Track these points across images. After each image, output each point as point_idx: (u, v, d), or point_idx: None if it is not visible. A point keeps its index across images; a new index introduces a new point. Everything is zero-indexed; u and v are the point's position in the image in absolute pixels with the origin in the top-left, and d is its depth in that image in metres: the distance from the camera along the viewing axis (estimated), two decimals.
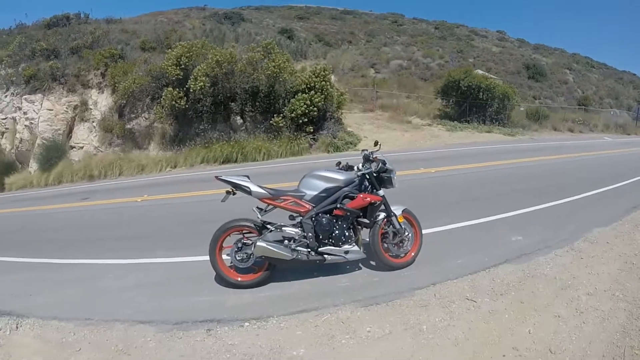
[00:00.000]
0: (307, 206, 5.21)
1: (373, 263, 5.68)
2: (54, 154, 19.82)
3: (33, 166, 20.80)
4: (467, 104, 26.65)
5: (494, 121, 27.03)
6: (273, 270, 5.29)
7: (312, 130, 18.88)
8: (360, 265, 5.73)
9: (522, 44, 70.08)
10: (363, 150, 5.66)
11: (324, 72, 19.23)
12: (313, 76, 19.01)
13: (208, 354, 3.98)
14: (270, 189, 5.19)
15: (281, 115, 18.61)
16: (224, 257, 5.28)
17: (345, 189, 5.30)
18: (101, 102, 21.67)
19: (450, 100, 27.83)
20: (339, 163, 5.86)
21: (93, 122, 21.31)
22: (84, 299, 5.41)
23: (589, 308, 4.57)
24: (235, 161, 17.56)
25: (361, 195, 5.28)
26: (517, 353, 3.81)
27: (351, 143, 18.94)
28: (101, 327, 4.56)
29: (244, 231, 5.22)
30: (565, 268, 5.64)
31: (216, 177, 5.23)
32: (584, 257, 6.07)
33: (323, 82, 18.87)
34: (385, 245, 5.56)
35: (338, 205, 5.20)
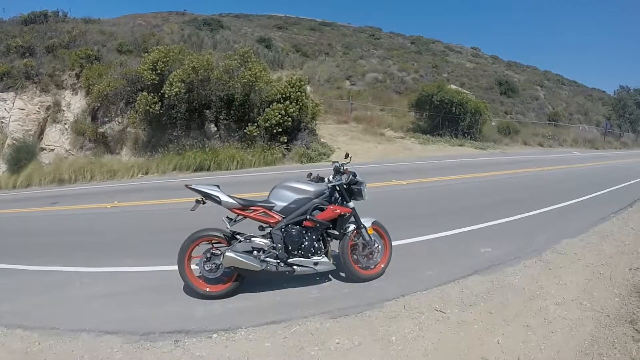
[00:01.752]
0: (277, 217, 5.20)
1: (343, 275, 5.68)
2: (24, 155, 19.38)
3: (1, 167, 20.33)
4: (440, 117, 27.05)
5: (466, 135, 27.46)
6: (242, 281, 5.25)
7: (286, 140, 18.84)
8: (329, 276, 5.72)
9: (496, 60, 71.39)
10: (334, 162, 5.69)
11: (299, 82, 19.25)
12: (289, 86, 19.00)
13: None
14: (240, 199, 5.17)
15: (255, 124, 18.55)
16: (193, 267, 5.24)
17: (316, 200, 5.30)
18: (74, 103, 21.34)
19: (424, 114, 28.27)
20: (310, 174, 5.86)
21: (65, 124, 20.97)
22: (50, 307, 5.30)
23: (557, 317, 4.66)
24: (209, 169, 17.42)
25: (331, 207, 5.29)
26: None
27: (324, 154, 18.95)
28: (67, 337, 4.48)
29: (213, 241, 5.19)
30: (533, 279, 5.74)
31: (186, 185, 5.19)
32: (552, 267, 6.20)
33: (298, 93, 18.87)
34: (355, 256, 5.56)
35: (308, 217, 5.19)
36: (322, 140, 20.72)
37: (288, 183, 5.41)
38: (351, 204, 5.49)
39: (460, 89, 33.88)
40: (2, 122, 21.17)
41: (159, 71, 18.52)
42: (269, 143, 18.65)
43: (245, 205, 5.13)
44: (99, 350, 4.22)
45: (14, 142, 20.26)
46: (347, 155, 5.92)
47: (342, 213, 5.32)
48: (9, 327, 4.77)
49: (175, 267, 5.16)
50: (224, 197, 5.03)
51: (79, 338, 4.45)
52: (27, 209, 12.49)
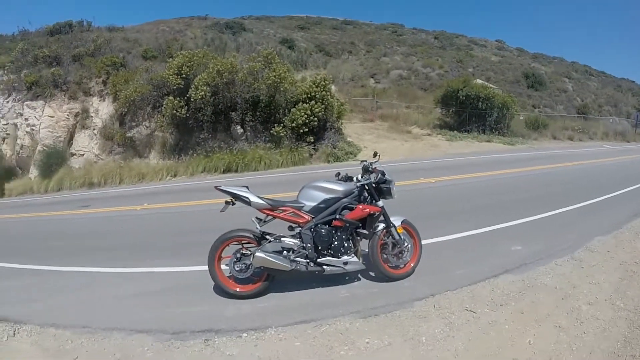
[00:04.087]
0: (306, 217, 5.21)
1: (372, 274, 5.66)
2: (54, 160, 19.89)
3: (33, 172, 20.87)
4: (467, 113, 26.76)
5: (493, 130, 27.14)
6: (272, 281, 5.27)
7: (312, 140, 18.90)
8: (359, 276, 5.71)
9: (521, 53, 70.48)
10: (362, 161, 5.67)
11: (324, 82, 19.27)
12: (313, 86, 19.04)
13: None
14: (270, 199, 5.19)
15: (282, 125, 18.63)
16: (223, 267, 5.26)
17: (345, 200, 5.29)
18: (102, 109, 21.75)
19: (450, 110, 27.97)
20: (338, 174, 5.84)
21: (94, 129, 21.38)
22: (83, 306, 5.40)
23: (590, 318, 4.57)
24: (236, 171, 17.55)
25: (360, 206, 5.28)
26: None
27: (351, 153, 18.95)
28: (99, 336, 4.55)
29: (243, 241, 5.21)
30: (565, 277, 5.63)
31: (216, 187, 5.24)
32: (584, 266, 6.06)
33: (323, 92, 18.90)
34: (385, 256, 5.54)
35: (337, 216, 5.19)
36: (348, 139, 20.71)
37: (317, 183, 5.42)
38: (380, 202, 5.46)
39: (486, 83, 33.52)
40: (33, 129, 21.69)
41: (184, 75, 18.76)
42: (296, 143, 18.74)
43: (275, 206, 5.15)
44: (130, 349, 4.28)
45: (45, 148, 20.77)
46: (375, 154, 5.89)
47: (372, 212, 5.31)
48: (42, 325, 4.87)
49: (206, 268, 5.21)
50: (253, 198, 5.06)
51: (111, 336, 4.52)
52: (59, 212, 12.76)
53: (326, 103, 18.93)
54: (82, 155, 21.10)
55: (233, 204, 5.15)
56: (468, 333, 4.31)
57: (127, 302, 5.44)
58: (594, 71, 70.10)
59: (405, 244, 5.62)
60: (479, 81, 33.00)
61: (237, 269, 5.15)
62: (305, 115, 18.23)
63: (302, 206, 5.25)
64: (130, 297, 5.59)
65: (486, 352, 4.00)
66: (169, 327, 4.64)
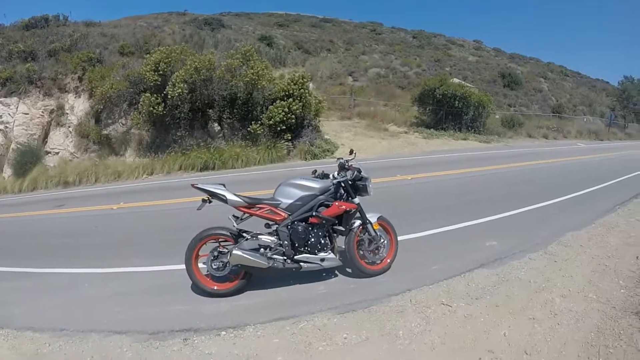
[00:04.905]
0: (283, 214, 5.23)
1: (349, 270, 5.70)
2: (28, 159, 19.47)
3: (7, 171, 20.42)
4: (443, 111, 27.04)
5: (469, 128, 27.49)
6: (250, 279, 5.28)
7: (290, 137, 18.87)
8: (336, 272, 5.75)
9: (498, 53, 71.11)
10: (338, 159, 5.70)
11: (302, 79, 19.27)
12: (291, 83, 19.02)
13: None
14: (247, 197, 5.19)
15: (259, 122, 18.57)
16: (201, 265, 5.26)
17: (321, 197, 5.33)
18: (78, 106, 21.37)
19: (427, 108, 28.30)
20: (315, 171, 5.88)
21: (69, 127, 21.01)
22: (60, 309, 5.34)
23: (563, 310, 4.67)
24: (214, 168, 17.45)
25: (337, 203, 5.32)
26: (493, 356, 3.87)
27: (328, 150, 19.00)
28: (77, 338, 4.51)
29: (220, 239, 5.21)
30: (539, 271, 5.75)
31: (193, 185, 5.22)
32: (557, 260, 6.20)
33: (301, 90, 18.89)
34: (361, 252, 5.59)
35: (314, 213, 5.23)
36: (325, 136, 20.74)
37: (293, 180, 5.44)
38: (356, 199, 5.52)
39: (463, 82, 33.76)
40: (7, 127, 21.24)
41: (161, 72, 18.54)
42: (273, 141, 18.68)
43: (252, 203, 5.16)
44: (109, 350, 4.24)
45: (19, 146, 20.35)
46: (351, 152, 5.92)
47: (348, 209, 5.36)
48: (19, 329, 4.80)
49: (183, 266, 5.19)
50: (230, 196, 5.05)
51: (89, 338, 4.48)
52: (33, 212, 12.55)
53: (304, 101, 18.91)
54: (57, 153, 20.71)
55: (210, 202, 5.14)
56: (444, 326, 4.37)
57: (104, 303, 5.39)
58: (569, 72, 71.02)
59: (382, 240, 5.68)
60: (456, 80, 33.29)
61: (214, 267, 5.15)
62: (283, 113, 18.19)
63: (279, 203, 5.27)
64: (108, 297, 5.55)
65: (462, 344, 4.06)
66: (148, 327, 4.62)
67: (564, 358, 3.85)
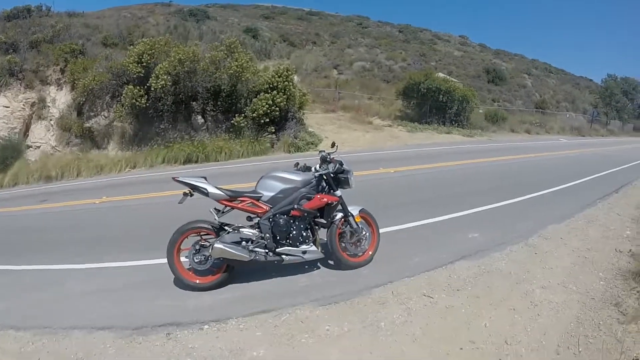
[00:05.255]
0: (265, 207, 5.22)
1: (331, 262, 5.72)
2: (10, 153, 19.08)
3: None
4: (428, 105, 27.16)
5: (453, 122, 27.66)
6: (232, 272, 5.28)
7: (273, 130, 18.83)
8: (318, 264, 5.76)
9: (484, 49, 71.56)
10: (320, 151, 5.70)
11: (286, 72, 19.19)
12: (276, 76, 18.93)
13: (168, 358, 3.96)
14: (228, 190, 5.18)
15: (243, 115, 18.49)
16: (183, 259, 5.23)
17: (303, 189, 5.33)
18: (60, 99, 21.07)
19: (411, 102, 28.43)
20: (297, 164, 5.89)
21: (51, 120, 20.70)
22: (43, 306, 5.27)
23: (544, 301, 4.74)
24: (197, 161, 17.34)
25: (318, 196, 5.33)
26: (474, 346, 3.93)
27: (312, 143, 18.95)
28: (60, 335, 4.46)
29: (201, 233, 5.19)
30: (520, 263, 5.83)
31: (174, 178, 5.20)
32: (538, 252, 6.30)
33: (286, 82, 18.82)
34: (343, 244, 5.61)
35: (295, 206, 5.22)
36: (309, 129, 20.70)
37: (275, 173, 5.43)
38: (338, 192, 5.53)
39: (447, 77, 33.93)
40: None
41: (144, 64, 18.33)
42: (257, 133, 18.63)
43: (233, 197, 5.14)
44: (92, 347, 4.21)
45: (0, 140, 20.04)
46: (333, 144, 5.92)
47: (329, 202, 5.37)
48: (1, 328, 4.73)
49: (166, 260, 5.16)
50: (211, 189, 5.03)
51: (72, 335, 4.44)
52: (15, 208, 12.35)
53: (288, 93, 18.86)
54: (39, 147, 20.38)
55: (191, 195, 5.10)
56: (426, 318, 4.42)
57: (87, 298, 5.33)
58: (554, 69, 71.74)
59: (363, 233, 5.71)
60: (440, 75, 33.41)
61: (196, 260, 5.13)
62: (267, 106, 18.13)
63: (260, 196, 5.26)
64: (91, 293, 5.48)
65: (443, 335, 4.10)
66: (131, 323, 4.59)
67: (544, 348, 3.91)
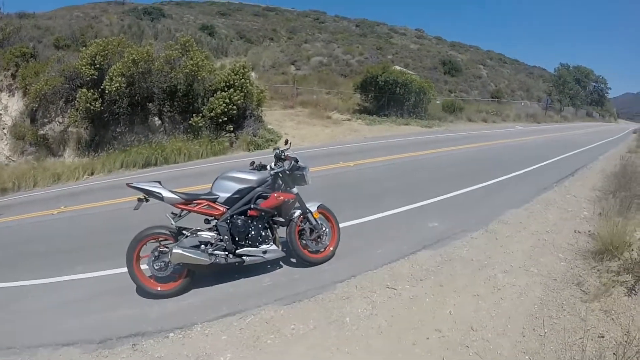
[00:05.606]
0: (221, 209, 5.20)
1: (293, 260, 5.73)
2: None
3: None
4: (385, 98, 27.41)
5: (411, 114, 28.06)
6: (194, 277, 5.24)
7: (232, 129, 18.65)
8: (281, 263, 5.76)
9: (440, 41, 72.65)
10: (274, 149, 5.72)
11: (243, 69, 19.05)
12: (232, 74, 18.75)
13: None
14: (183, 193, 5.13)
15: (200, 114, 18.24)
16: (143, 267, 5.18)
17: (258, 189, 5.33)
18: (12, 106, 20.42)
19: (369, 95, 28.64)
20: (253, 163, 5.88)
21: (4, 128, 20.05)
22: (4, 325, 5.12)
23: (506, 285, 4.87)
24: (156, 164, 17.01)
25: (275, 194, 5.32)
26: (440, 334, 4.00)
27: (272, 140, 18.85)
28: (25, 355, 4.35)
29: (160, 239, 5.13)
30: (481, 249, 5.96)
31: (127, 184, 5.13)
32: (498, 237, 6.45)
33: (242, 80, 18.66)
34: (304, 242, 5.62)
35: (252, 206, 5.22)
36: (269, 126, 20.59)
37: (230, 173, 5.42)
38: (295, 189, 5.56)
39: (404, 69, 34.30)
40: None
41: (98, 66, 17.87)
42: (216, 133, 18.42)
43: (188, 200, 5.09)
44: None
45: None
46: (286, 142, 5.95)
47: (286, 199, 5.37)
48: None
49: (126, 269, 5.09)
50: (165, 193, 4.98)
51: (37, 354, 4.34)
52: None
53: (245, 91, 18.69)
54: None
55: (146, 200, 5.05)
56: (390, 309, 4.47)
57: (50, 314, 5.21)
58: (508, 59, 73.45)
59: (323, 229, 5.74)
60: (397, 67, 33.79)
61: (156, 267, 5.08)
62: (224, 104, 17.95)
63: (217, 198, 5.24)
64: (53, 309, 5.36)
65: (409, 326, 4.17)
66: (96, 336, 4.52)
67: (510, 331, 4.01)
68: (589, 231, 6.61)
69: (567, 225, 7.02)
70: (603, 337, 3.86)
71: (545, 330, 3.97)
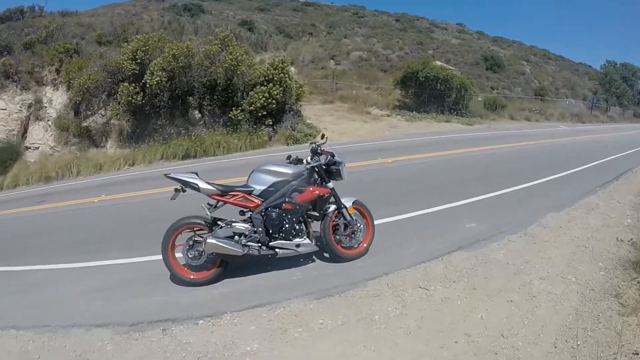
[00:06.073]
0: (257, 201, 5.21)
1: (326, 255, 5.69)
2: (9, 155, 19.02)
3: None
4: (426, 94, 27.07)
5: (452, 111, 27.58)
6: (226, 267, 5.27)
7: (271, 123, 18.75)
8: (313, 257, 5.74)
9: (482, 36, 71.42)
10: (311, 143, 5.67)
11: (282, 64, 19.11)
12: (271, 68, 18.84)
13: (164, 353, 3.97)
14: (219, 185, 5.17)
15: (240, 108, 18.41)
16: (177, 255, 5.24)
17: (294, 182, 5.30)
18: (56, 99, 21.01)
19: (409, 91, 28.29)
20: (290, 156, 5.86)
21: (48, 120, 20.65)
22: (42, 305, 5.31)
23: (542, 292, 4.68)
24: (195, 156, 17.31)
25: (310, 189, 5.30)
26: (469, 339, 3.88)
27: (310, 135, 18.84)
28: (59, 334, 4.50)
29: (195, 228, 5.20)
30: (518, 253, 5.77)
31: (165, 175, 5.21)
32: (537, 242, 6.23)
33: (282, 74, 18.72)
34: (337, 237, 5.59)
35: (287, 199, 5.20)
36: (307, 121, 20.63)
37: (266, 166, 5.42)
38: (330, 184, 5.51)
39: (445, 65, 33.86)
40: None
41: (139, 61, 18.28)
42: (255, 126, 18.56)
43: (224, 191, 5.13)
44: (90, 344, 4.25)
45: None
46: (323, 136, 5.94)
47: (321, 194, 5.35)
48: (2, 328, 4.77)
49: (161, 257, 5.17)
50: (202, 185, 5.03)
51: (71, 333, 4.48)
52: (15, 210, 12.32)
53: (284, 85, 18.77)
54: (37, 148, 20.34)
55: (184, 191, 5.14)
56: (421, 310, 4.39)
57: (85, 297, 5.35)
58: (552, 55, 71.62)
59: (358, 225, 5.68)
60: (438, 63, 33.38)
61: (190, 256, 5.14)
62: (264, 98, 18.06)
63: (252, 190, 5.25)
64: (89, 292, 5.50)
65: (439, 328, 4.07)
66: (128, 319, 4.63)
67: (542, 340, 3.86)
68: (632, 240, 6.31)
69: (609, 232, 6.74)
70: (638, 354, 3.66)
71: (579, 343, 3.81)
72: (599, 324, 4.08)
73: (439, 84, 26.95)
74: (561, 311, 4.32)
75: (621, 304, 4.43)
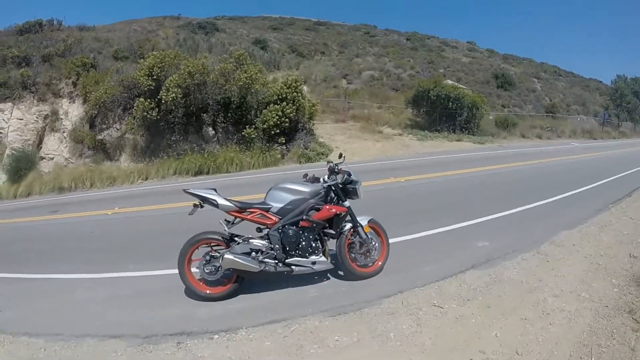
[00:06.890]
0: (274, 218, 5.27)
1: (341, 273, 5.73)
2: (23, 165, 19.30)
3: (2, 177, 20.27)
4: (437, 113, 27.08)
5: (463, 130, 27.52)
6: (242, 283, 5.32)
7: (284, 141, 18.83)
8: (328, 275, 5.78)
9: (492, 54, 71.41)
10: (328, 162, 5.75)
11: (295, 83, 19.24)
12: (285, 87, 18.98)
13: None
14: (237, 201, 5.24)
15: (253, 126, 18.52)
16: (193, 270, 5.29)
17: (311, 200, 5.36)
18: (72, 112, 21.29)
19: (421, 110, 28.30)
20: (306, 175, 5.91)
21: (64, 132, 20.92)
22: (55, 314, 5.37)
23: (555, 309, 4.70)
24: (208, 173, 17.38)
25: (327, 207, 5.36)
26: (484, 356, 3.90)
27: (323, 154, 18.89)
28: (72, 342, 4.54)
29: (212, 244, 5.26)
30: (531, 271, 5.79)
31: (184, 190, 5.29)
32: (550, 259, 6.24)
33: (295, 93, 18.85)
34: (353, 255, 5.63)
35: (304, 217, 5.26)
36: (320, 139, 20.71)
37: (284, 184, 5.49)
38: (347, 203, 5.56)
39: (456, 84, 33.94)
40: (1, 132, 21.11)
41: (155, 77, 18.47)
42: (268, 144, 18.63)
43: (243, 208, 5.20)
44: (103, 355, 4.29)
45: (13, 152, 20.21)
46: (340, 155, 5.97)
47: (338, 212, 5.39)
48: (14, 334, 4.83)
49: (177, 271, 5.22)
50: (221, 201, 5.09)
51: (84, 343, 4.52)
52: (28, 218, 12.48)
53: (297, 104, 18.88)
54: (52, 159, 20.62)
55: (201, 206, 5.20)
56: (435, 328, 4.41)
57: (99, 307, 5.42)
58: (563, 71, 71.60)
59: (373, 243, 5.72)
60: (449, 82, 33.43)
61: (206, 271, 5.19)
62: (277, 117, 18.18)
63: (270, 207, 5.31)
64: (103, 302, 5.57)
65: (453, 346, 4.09)
66: (142, 331, 4.66)
67: (556, 358, 3.88)
68: None
69: (622, 249, 6.74)
70: None
71: (593, 359, 3.84)
72: (612, 340, 4.10)
73: (450, 103, 26.95)
74: (575, 328, 4.35)
75: (635, 320, 4.45)
